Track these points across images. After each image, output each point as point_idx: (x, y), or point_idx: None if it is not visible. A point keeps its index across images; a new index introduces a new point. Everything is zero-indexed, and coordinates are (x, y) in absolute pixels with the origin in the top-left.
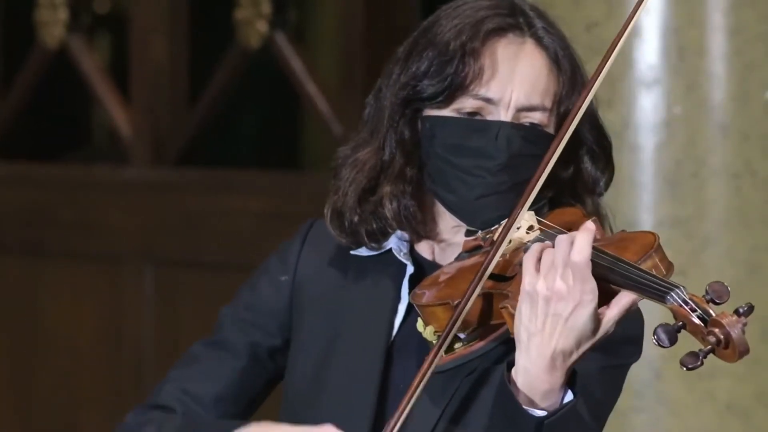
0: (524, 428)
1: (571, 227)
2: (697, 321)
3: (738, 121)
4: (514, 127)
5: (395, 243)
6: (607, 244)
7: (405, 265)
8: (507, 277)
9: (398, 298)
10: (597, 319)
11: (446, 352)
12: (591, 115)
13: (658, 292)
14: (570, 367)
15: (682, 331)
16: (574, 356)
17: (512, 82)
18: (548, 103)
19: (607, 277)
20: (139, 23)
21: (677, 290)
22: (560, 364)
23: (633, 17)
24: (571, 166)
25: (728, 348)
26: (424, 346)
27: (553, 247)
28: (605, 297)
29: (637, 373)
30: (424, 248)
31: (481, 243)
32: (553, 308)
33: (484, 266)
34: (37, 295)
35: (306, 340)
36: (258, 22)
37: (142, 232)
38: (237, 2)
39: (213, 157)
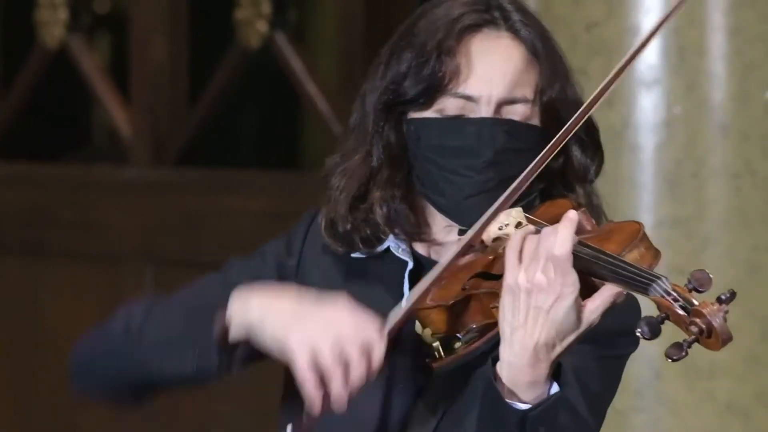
0: (508, 421)
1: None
2: (680, 311)
3: (738, 121)
4: (497, 122)
5: (393, 242)
6: (592, 236)
7: (404, 262)
8: (498, 275)
9: (400, 295)
10: (579, 312)
11: (446, 352)
12: (577, 104)
13: (641, 284)
14: (555, 360)
15: (666, 322)
16: (558, 349)
17: (490, 77)
18: (530, 95)
19: (590, 269)
20: (139, 23)
21: (659, 281)
22: (544, 356)
23: (668, 17)
24: (561, 156)
25: (711, 337)
26: (424, 344)
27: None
28: (589, 289)
29: (637, 373)
30: (419, 248)
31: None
32: (534, 301)
33: (452, 258)
34: (37, 295)
35: None
36: (258, 22)
37: (142, 232)
38: (237, 2)
39: (213, 157)
